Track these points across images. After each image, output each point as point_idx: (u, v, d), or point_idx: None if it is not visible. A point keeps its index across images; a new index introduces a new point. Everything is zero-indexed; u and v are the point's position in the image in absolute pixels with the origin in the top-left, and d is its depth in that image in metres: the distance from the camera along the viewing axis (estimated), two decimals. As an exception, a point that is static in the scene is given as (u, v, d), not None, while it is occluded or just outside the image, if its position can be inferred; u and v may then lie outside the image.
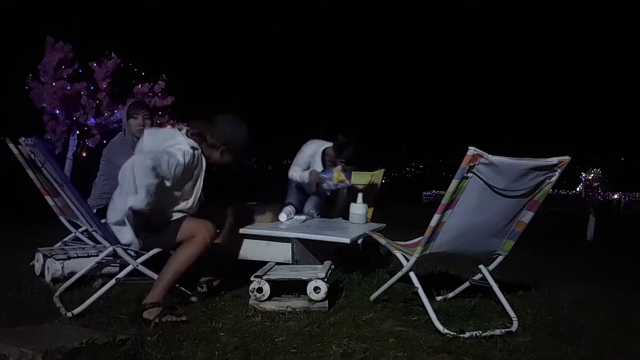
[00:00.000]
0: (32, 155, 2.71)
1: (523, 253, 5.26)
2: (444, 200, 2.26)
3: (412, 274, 2.50)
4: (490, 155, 2.19)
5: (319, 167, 4.17)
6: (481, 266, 2.74)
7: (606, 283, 3.95)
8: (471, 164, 2.18)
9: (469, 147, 2.13)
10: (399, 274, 2.52)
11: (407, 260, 2.49)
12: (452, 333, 2.25)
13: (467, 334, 2.25)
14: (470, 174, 2.22)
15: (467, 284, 2.88)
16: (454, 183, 2.21)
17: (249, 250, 3.27)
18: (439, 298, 2.85)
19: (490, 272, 2.71)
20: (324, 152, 4.20)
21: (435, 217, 2.30)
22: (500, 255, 2.70)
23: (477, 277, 2.80)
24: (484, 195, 2.31)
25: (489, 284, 2.68)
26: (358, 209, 3.46)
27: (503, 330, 2.36)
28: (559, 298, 3.08)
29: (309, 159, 4.21)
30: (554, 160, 2.37)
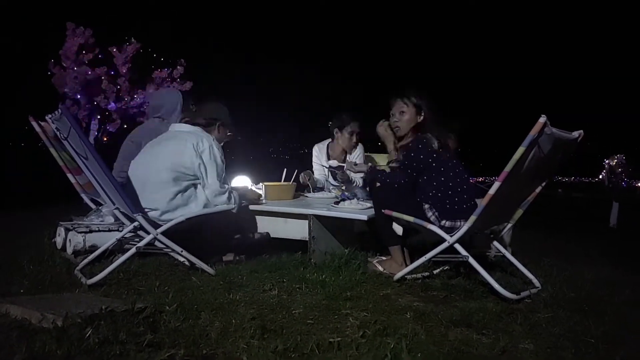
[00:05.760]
0: (56, 132, 2.72)
1: (545, 237, 5.19)
2: (507, 168, 2.20)
3: (457, 245, 2.49)
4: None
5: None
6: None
7: (631, 265, 3.85)
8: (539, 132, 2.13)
9: (541, 115, 2.09)
10: (443, 246, 2.51)
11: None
12: (513, 296, 2.36)
13: (522, 294, 2.45)
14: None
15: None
16: (520, 150, 2.15)
17: (267, 227, 3.28)
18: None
19: (504, 244, 2.82)
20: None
21: (496, 185, 2.26)
22: (509, 223, 2.78)
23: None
24: (529, 164, 2.27)
25: (500, 252, 2.75)
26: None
27: (533, 290, 2.57)
28: (582, 277, 3.01)
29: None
30: (575, 134, 2.47)
